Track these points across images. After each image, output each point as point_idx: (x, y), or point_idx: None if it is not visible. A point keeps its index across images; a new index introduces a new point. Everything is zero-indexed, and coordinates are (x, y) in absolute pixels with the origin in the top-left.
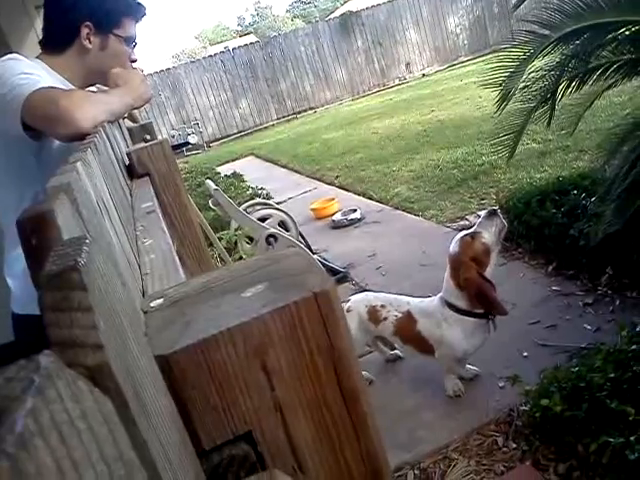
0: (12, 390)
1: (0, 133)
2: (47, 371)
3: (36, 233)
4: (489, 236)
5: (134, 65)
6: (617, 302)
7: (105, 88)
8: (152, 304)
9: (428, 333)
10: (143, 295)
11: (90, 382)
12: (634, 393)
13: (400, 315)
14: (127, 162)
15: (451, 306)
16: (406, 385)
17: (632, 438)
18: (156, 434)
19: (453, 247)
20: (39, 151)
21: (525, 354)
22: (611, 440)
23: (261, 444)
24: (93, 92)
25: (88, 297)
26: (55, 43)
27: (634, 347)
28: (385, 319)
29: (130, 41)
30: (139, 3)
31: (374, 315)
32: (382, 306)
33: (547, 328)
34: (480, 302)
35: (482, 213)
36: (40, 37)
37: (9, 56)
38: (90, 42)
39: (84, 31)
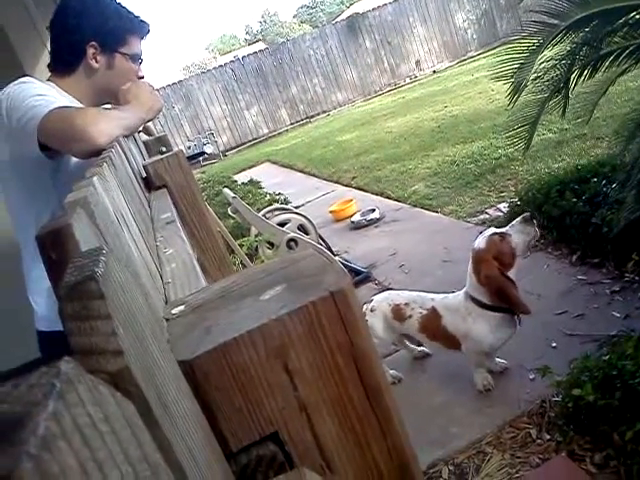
0: (34, 396)
1: (17, 156)
2: (67, 376)
3: (55, 247)
4: (519, 241)
5: (142, 79)
6: None
7: (117, 107)
8: (173, 311)
9: (454, 328)
10: (166, 303)
11: (112, 387)
12: None
13: (425, 312)
14: (144, 175)
15: (475, 300)
16: (435, 382)
17: None
18: (181, 436)
19: (479, 243)
20: (56, 170)
21: (554, 345)
22: None
23: (288, 444)
24: (107, 109)
25: (107, 305)
26: (63, 65)
27: None
28: (410, 317)
29: (136, 58)
30: (142, 20)
31: (398, 313)
32: (406, 304)
33: (575, 318)
34: (501, 300)
35: (518, 219)
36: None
37: (22, 79)
38: (97, 62)
39: (90, 51)
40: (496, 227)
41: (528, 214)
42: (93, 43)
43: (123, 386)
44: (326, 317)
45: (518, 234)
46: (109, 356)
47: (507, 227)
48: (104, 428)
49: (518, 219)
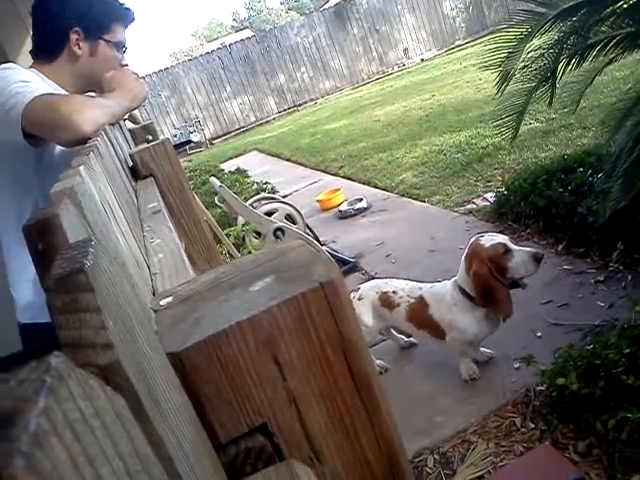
0: (24, 392)
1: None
2: (58, 371)
3: (42, 238)
4: (516, 267)
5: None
6: (629, 278)
7: (101, 94)
8: (162, 302)
9: (439, 317)
10: (154, 294)
11: (102, 380)
12: None
13: (413, 300)
14: (130, 164)
15: (462, 291)
16: (421, 371)
17: None
18: (171, 429)
19: (484, 241)
20: (39, 158)
21: (539, 334)
22: (629, 416)
23: (277, 435)
24: (91, 97)
25: (96, 298)
26: (45, 51)
27: None
28: (398, 305)
29: (120, 46)
30: (127, 8)
31: (386, 301)
32: (394, 292)
33: (560, 307)
34: (484, 299)
35: (531, 251)
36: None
37: (4, 65)
38: (80, 48)
39: (73, 37)
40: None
41: (542, 254)
42: (76, 29)
43: (113, 380)
44: (316, 308)
45: (520, 263)
46: (99, 349)
47: (518, 247)
48: (95, 423)
49: (531, 251)
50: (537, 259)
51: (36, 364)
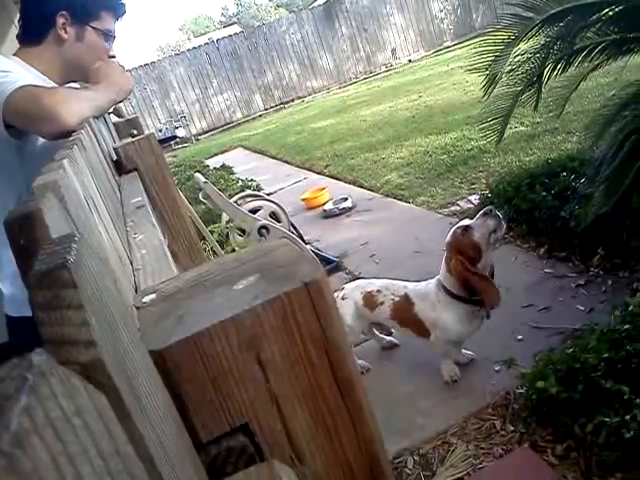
0: (6, 389)
1: None
2: (40, 369)
3: (24, 233)
4: (479, 234)
5: (112, 59)
6: (609, 282)
7: (85, 85)
8: (144, 299)
9: (424, 315)
10: (136, 291)
11: (84, 378)
12: (628, 372)
13: (397, 299)
14: (115, 158)
15: (446, 290)
16: (403, 372)
17: (627, 417)
18: (152, 428)
19: (448, 236)
20: (21, 150)
21: (520, 337)
22: (607, 420)
23: (258, 435)
24: (75, 89)
25: (79, 294)
26: (31, 34)
27: (627, 326)
28: (382, 303)
29: (108, 36)
30: (120, 1)
31: (370, 300)
32: (378, 291)
33: (541, 311)
34: (468, 292)
35: (480, 212)
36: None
37: None
38: (66, 32)
39: (60, 21)
40: (470, 219)
41: (488, 208)
42: (63, 13)
43: (95, 377)
44: (299, 308)
45: (478, 227)
46: (81, 347)
47: (472, 220)
48: (76, 421)
49: (480, 212)
50: (488, 213)
51: (17, 361)
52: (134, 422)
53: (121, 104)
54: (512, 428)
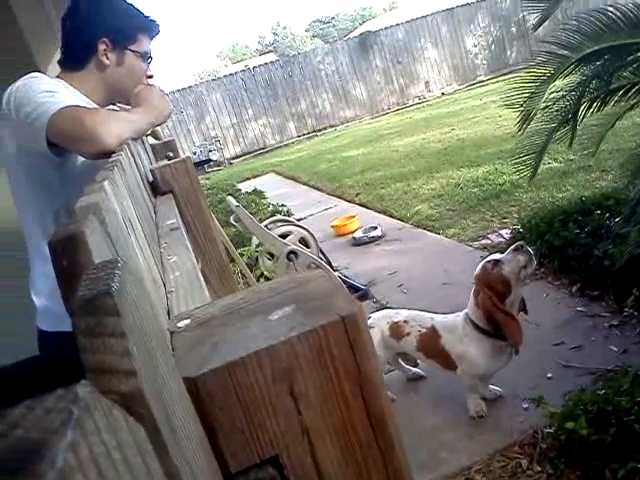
0: (51, 422)
1: (23, 151)
2: (85, 402)
3: (67, 255)
4: (509, 269)
5: (151, 81)
6: None
7: (126, 107)
8: (179, 324)
9: (450, 348)
10: (168, 313)
11: (124, 409)
12: None
13: (424, 330)
14: (151, 179)
15: (473, 323)
16: (428, 404)
17: None
18: (186, 459)
19: (477, 269)
20: (62, 168)
21: (549, 375)
22: None
23: (287, 468)
24: (116, 111)
25: (121, 323)
26: (73, 60)
27: None
28: (408, 334)
29: (146, 57)
30: (153, 20)
31: (396, 330)
32: (405, 321)
33: (572, 349)
34: (494, 328)
35: (511, 247)
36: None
37: (31, 74)
38: (107, 58)
39: (101, 47)
40: (500, 253)
41: (520, 243)
42: (104, 40)
43: (134, 408)
44: (335, 342)
45: (508, 262)
46: (122, 376)
47: (503, 255)
48: (117, 456)
49: (511, 247)
50: (518, 248)
51: (62, 392)
52: (170, 454)
53: (158, 127)
54: (539, 468)
